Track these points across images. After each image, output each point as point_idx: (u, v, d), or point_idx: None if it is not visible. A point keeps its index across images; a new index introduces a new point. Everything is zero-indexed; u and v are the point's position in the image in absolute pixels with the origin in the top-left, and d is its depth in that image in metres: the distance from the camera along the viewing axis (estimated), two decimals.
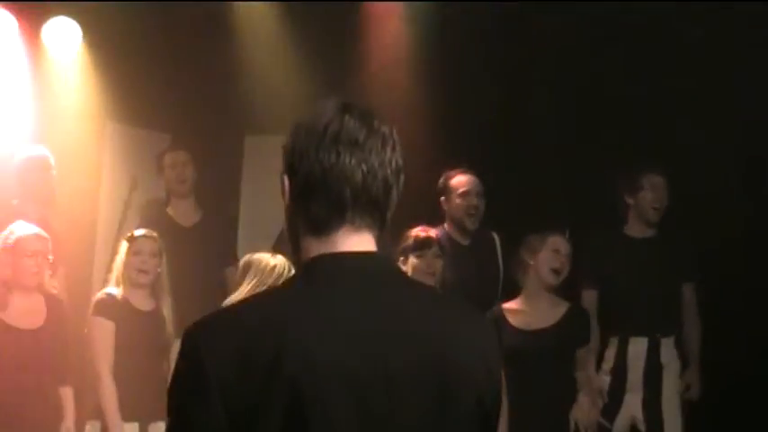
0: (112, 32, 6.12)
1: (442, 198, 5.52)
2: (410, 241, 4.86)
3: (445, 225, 5.50)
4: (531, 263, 4.90)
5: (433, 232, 4.97)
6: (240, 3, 6.29)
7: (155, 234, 5.09)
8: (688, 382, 5.29)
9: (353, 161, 1.69)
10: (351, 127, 1.70)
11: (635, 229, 5.45)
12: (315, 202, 1.69)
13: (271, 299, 1.75)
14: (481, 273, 5.44)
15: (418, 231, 4.90)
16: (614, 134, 5.75)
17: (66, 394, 4.93)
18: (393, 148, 1.73)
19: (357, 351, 1.62)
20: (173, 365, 4.92)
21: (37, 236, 4.87)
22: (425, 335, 1.68)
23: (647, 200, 5.36)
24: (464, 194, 5.45)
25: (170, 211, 5.99)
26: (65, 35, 6.07)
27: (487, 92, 5.82)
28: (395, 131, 1.76)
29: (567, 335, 4.86)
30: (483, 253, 5.53)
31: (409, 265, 4.79)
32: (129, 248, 4.98)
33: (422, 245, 4.86)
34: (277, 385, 1.57)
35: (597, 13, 5.60)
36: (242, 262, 4.55)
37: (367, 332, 1.64)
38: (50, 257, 4.90)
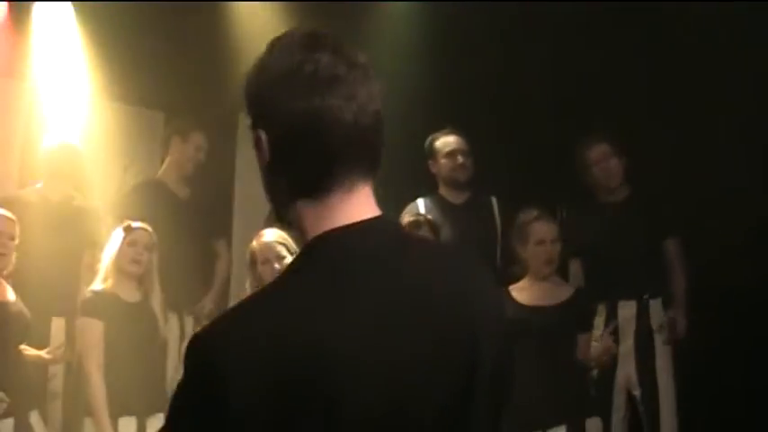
0: (105, 11, 6.11)
1: (430, 162, 5.61)
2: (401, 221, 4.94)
3: (439, 191, 5.57)
4: (524, 255, 4.84)
5: (421, 217, 5.07)
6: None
7: (150, 228, 5.07)
8: (672, 316, 5.30)
9: (340, 100, 1.48)
10: (327, 61, 1.49)
11: (605, 197, 5.51)
12: (300, 157, 1.50)
13: (284, 294, 1.48)
14: (477, 232, 5.47)
15: (407, 217, 4.99)
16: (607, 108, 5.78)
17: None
18: (374, 79, 1.53)
19: (384, 341, 1.45)
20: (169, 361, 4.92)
21: (5, 217, 4.78)
22: (449, 306, 1.53)
23: (602, 171, 5.43)
24: (449, 154, 5.56)
25: (169, 184, 5.98)
26: (56, 15, 6.06)
27: (487, 87, 5.86)
28: (368, 60, 1.55)
29: (568, 319, 4.86)
30: (479, 214, 5.57)
31: None
32: (125, 238, 4.96)
33: (413, 225, 4.94)
34: (310, 401, 1.39)
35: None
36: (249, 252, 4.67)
37: (389, 318, 1.47)
38: (15, 241, 4.78)
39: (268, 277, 4.72)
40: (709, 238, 5.36)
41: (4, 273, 4.77)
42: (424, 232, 4.92)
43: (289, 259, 4.71)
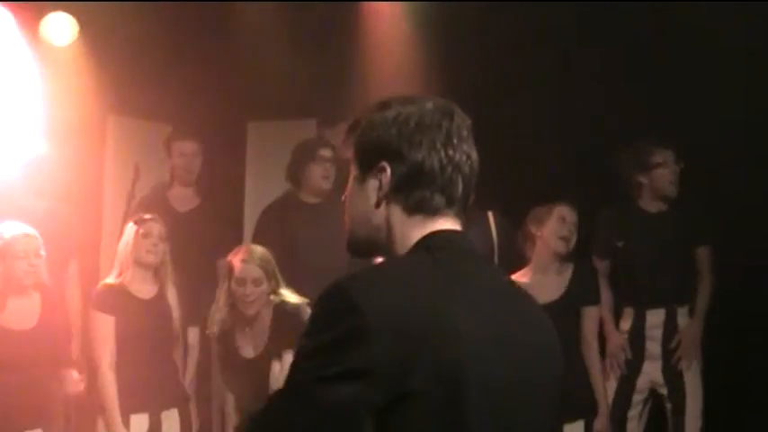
0: (110, 24, 6.10)
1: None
2: None
3: None
4: (539, 234, 4.96)
5: None
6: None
7: (160, 219, 5.11)
8: (684, 335, 5.27)
9: (464, 155, 1.84)
10: (460, 123, 1.86)
11: (649, 205, 5.43)
12: (426, 189, 1.82)
13: (408, 265, 1.79)
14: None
15: None
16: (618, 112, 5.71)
17: (67, 376, 4.90)
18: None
19: (498, 327, 1.73)
20: (190, 350, 4.97)
21: (25, 235, 4.79)
22: (524, 310, 1.86)
23: (664, 176, 5.33)
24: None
25: (170, 195, 6.00)
26: (63, 30, 6.06)
27: (485, 88, 5.82)
28: None
29: (576, 297, 4.90)
30: (474, 230, 5.52)
31: None
32: (138, 231, 4.98)
33: None
34: (435, 355, 1.62)
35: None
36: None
37: (495, 305, 1.76)
38: (42, 253, 4.82)
39: (238, 299, 4.66)
40: (742, 247, 5.31)
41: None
42: None
43: (265, 285, 4.66)
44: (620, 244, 5.39)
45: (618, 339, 5.31)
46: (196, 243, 5.66)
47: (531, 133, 5.80)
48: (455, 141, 1.83)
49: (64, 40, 6.06)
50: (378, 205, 1.84)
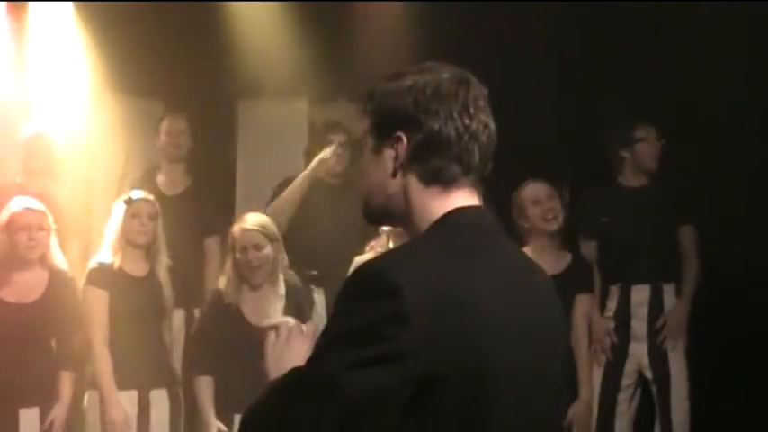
0: (103, 2, 6.09)
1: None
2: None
3: None
4: (526, 225, 4.96)
5: None
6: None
7: (151, 197, 5.11)
8: (670, 316, 5.31)
9: (481, 125, 1.81)
10: (477, 92, 1.83)
11: (630, 180, 5.51)
12: (443, 158, 1.80)
13: (437, 245, 1.76)
14: None
15: None
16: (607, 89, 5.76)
17: (65, 378, 4.88)
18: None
19: (521, 310, 1.74)
20: (174, 331, 4.96)
21: (29, 209, 4.84)
22: (546, 288, 1.89)
23: (645, 150, 5.42)
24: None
25: (159, 179, 5.95)
26: (54, 8, 6.03)
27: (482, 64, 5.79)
28: None
29: (570, 284, 4.92)
30: None
31: None
32: (128, 211, 4.97)
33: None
34: (464, 338, 1.63)
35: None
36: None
37: (517, 287, 1.77)
38: (48, 228, 4.86)
39: (243, 267, 4.72)
40: (727, 227, 5.34)
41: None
42: None
43: (268, 249, 4.72)
44: (603, 221, 5.42)
45: (604, 325, 5.33)
46: (187, 225, 5.64)
47: (529, 132, 5.83)
48: (472, 110, 1.80)
49: (57, 18, 6.03)
50: (394, 175, 1.82)
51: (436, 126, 1.78)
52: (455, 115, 1.79)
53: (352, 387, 1.58)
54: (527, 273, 1.85)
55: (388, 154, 1.82)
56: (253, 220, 4.83)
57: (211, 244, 5.89)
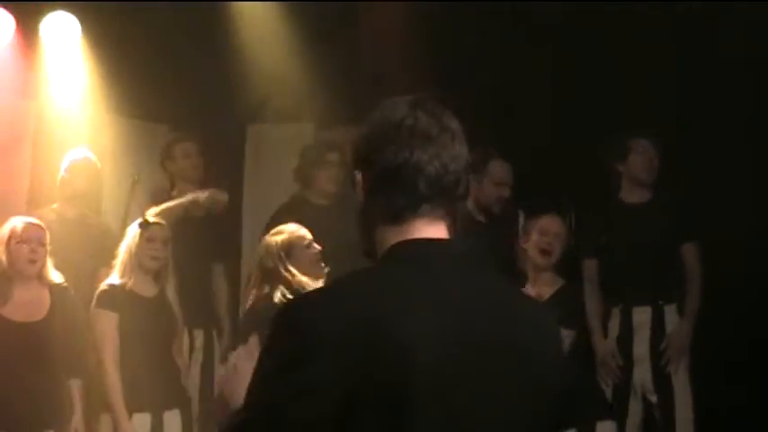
0: (111, 25, 6.11)
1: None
2: None
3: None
4: (524, 247, 4.97)
5: None
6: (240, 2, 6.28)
7: (164, 222, 5.13)
8: (672, 338, 5.25)
9: (426, 156, 1.78)
10: (424, 122, 1.80)
11: (629, 195, 5.48)
12: (391, 193, 1.79)
13: (365, 280, 1.76)
14: (492, 248, 5.41)
15: None
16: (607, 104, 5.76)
17: (74, 387, 4.89)
18: (461, 143, 1.83)
19: (449, 326, 1.69)
20: (195, 352, 4.96)
21: (30, 224, 4.88)
22: (507, 316, 1.77)
23: (637, 163, 5.39)
24: (497, 184, 5.53)
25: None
26: (63, 30, 6.06)
27: (483, 86, 5.85)
28: (460, 127, 1.85)
29: (554, 312, 4.88)
30: (502, 228, 5.50)
31: None
32: (143, 234, 4.98)
33: None
34: (383, 361, 1.62)
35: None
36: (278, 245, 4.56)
37: (453, 308, 1.71)
38: (47, 245, 4.87)
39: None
40: (729, 245, 5.32)
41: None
42: None
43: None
44: (603, 240, 5.39)
45: (607, 347, 5.30)
46: (197, 248, 5.65)
47: (527, 133, 5.84)
48: (418, 142, 1.78)
49: (65, 41, 6.06)
50: (361, 213, 1.86)
51: (383, 162, 1.79)
52: (398, 150, 1.77)
53: (278, 424, 1.63)
54: (486, 297, 1.78)
55: (357, 192, 1.87)
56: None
57: (217, 270, 5.91)
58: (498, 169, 5.53)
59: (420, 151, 1.77)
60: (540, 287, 4.90)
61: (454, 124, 1.83)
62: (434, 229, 1.81)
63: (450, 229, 1.83)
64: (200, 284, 5.72)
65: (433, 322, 1.67)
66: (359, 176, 1.84)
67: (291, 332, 1.66)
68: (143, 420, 4.87)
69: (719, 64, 5.46)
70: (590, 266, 5.43)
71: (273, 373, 1.66)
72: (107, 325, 4.87)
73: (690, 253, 5.35)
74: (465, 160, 1.83)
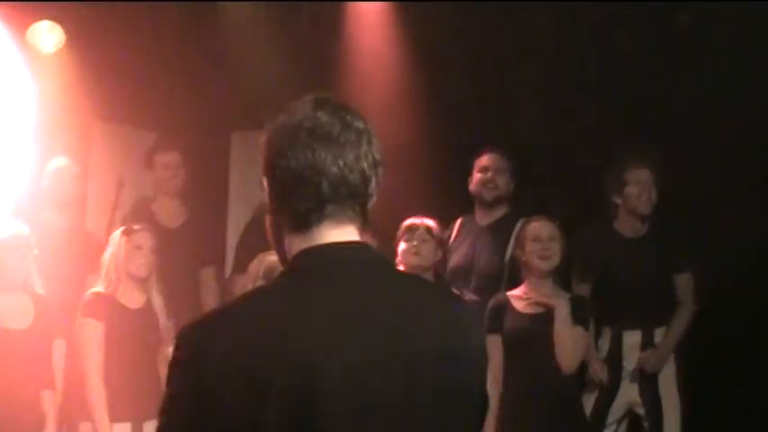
0: (96, 32, 6.10)
1: (470, 178, 5.55)
2: (401, 229, 4.96)
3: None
4: (523, 258, 4.90)
5: (426, 220, 4.99)
6: (226, 2, 6.29)
7: (150, 228, 5.09)
8: (649, 355, 5.25)
9: (329, 156, 1.70)
10: (324, 122, 1.72)
11: (626, 227, 5.42)
12: (295, 198, 1.71)
13: (262, 298, 1.73)
14: (491, 254, 5.39)
15: (411, 219, 4.99)
16: (602, 131, 5.76)
17: (46, 399, 4.86)
18: (369, 142, 1.75)
19: (351, 340, 1.62)
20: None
21: (19, 231, 4.85)
22: (417, 319, 1.70)
23: (634, 195, 5.33)
24: (482, 169, 5.48)
25: (155, 209, 5.91)
26: (49, 36, 6.05)
27: (475, 89, 5.85)
28: (370, 125, 1.77)
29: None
30: (503, 234, 5.42)
31: (399, 249, 4.90)
32: (129, 242, 4.94)
33: (408, 229, 4.94)
34: (282, 379, 1.57)
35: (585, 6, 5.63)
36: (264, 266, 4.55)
37: (354, 317, 1.65)
38: (34, 253, 4.86)
39: None
40: (722, 273, 5.34)
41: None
42: (420, 235, 4.90)
43: None
44: (598, 269, 5.37)
45: (597, 362, 5.29)
46: (181, 257, 5.64)
47: (516, 138, 5.85)
48: (319, 143, 1.70)
49: (50, 48, 6.06)
50: (269, 222, 1.80)
51: (285, 167, 1.71)
52: (299, 153, 1.70)
53: None
54: (394, 308, 1.69)
55: (267, 200, 1.79)
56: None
57: (207, 274, 5.90)
58: (483, 157, 5.51)
59: (322, 152, 1.70)
60: (545, 294, 4.82)
61: (359, 123, 1.75)
62: (342, 232, 1.73)
63: (362, 230, 1.76)
64: (188, 291, 5.69)
65: (333, 335, 1.61)
66: (265, 182, 1.76)
67: (187, 366, 1.62)
68: (123, 430, 4.84)
69: (718, 78, 5.45)
70: (581, 290, 5.36)
71: (172, 401, 1.65)
72: (92, 334, 4.84)
73: (683, 282, 5.35)
74: (373, 158, 1.74)
